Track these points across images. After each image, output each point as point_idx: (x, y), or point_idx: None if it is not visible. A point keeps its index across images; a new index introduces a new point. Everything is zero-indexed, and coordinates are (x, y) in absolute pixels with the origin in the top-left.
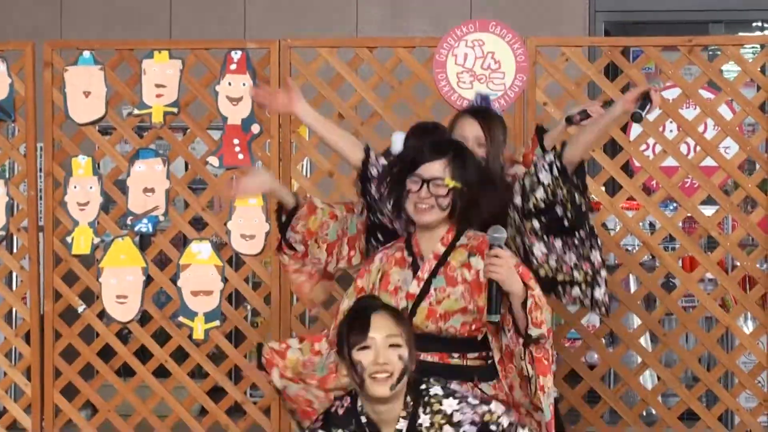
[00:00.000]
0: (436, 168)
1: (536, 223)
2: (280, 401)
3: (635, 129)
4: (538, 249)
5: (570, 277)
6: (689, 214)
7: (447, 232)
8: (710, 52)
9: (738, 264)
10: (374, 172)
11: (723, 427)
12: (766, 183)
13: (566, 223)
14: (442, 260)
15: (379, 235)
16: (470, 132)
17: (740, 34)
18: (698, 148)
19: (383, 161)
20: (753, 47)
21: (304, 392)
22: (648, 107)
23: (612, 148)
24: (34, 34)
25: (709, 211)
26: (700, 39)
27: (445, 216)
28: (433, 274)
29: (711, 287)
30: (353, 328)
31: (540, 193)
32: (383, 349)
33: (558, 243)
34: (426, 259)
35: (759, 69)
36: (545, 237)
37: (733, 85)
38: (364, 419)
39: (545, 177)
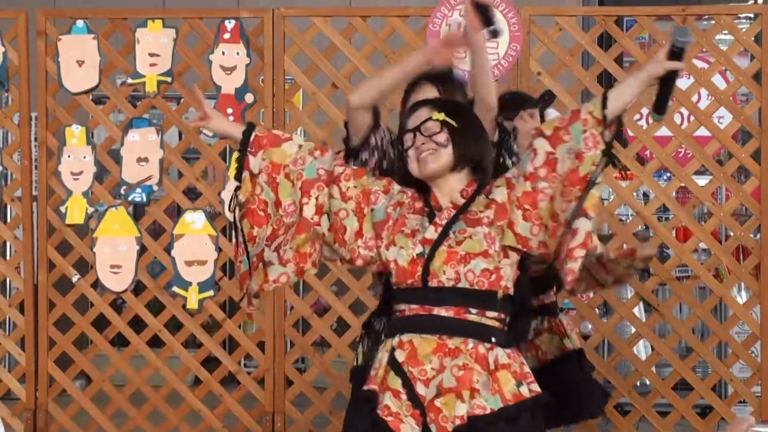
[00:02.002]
0: (420, 115)
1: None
2: (273, 371)
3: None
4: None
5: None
6: (683, 184)
7: (467, 185)
8: (704, 22)
9: (731, 234)
10: (372, 141)
11: (717, 397)
12: (760, 153)
13: None
14: (462, 209)
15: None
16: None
17: (733, 3)
18: (692, 117)
19: (387, 136)
20: (747, 16)
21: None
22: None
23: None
24: (28, 2)
25: (702, 181)
26: (694, 8)
27: (452, 160)
28: (453, 220)
29: (705, 257)
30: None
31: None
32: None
33: None
34: (445, 208)
35: (752, 38)
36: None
37: (726, 54)
38: None
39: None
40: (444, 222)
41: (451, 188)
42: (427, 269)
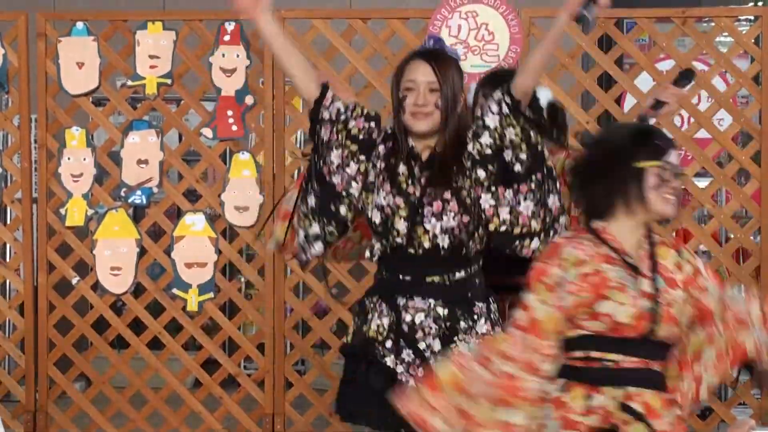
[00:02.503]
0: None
1: (481, 173)
2: (273, 373)
3: (629, 101)
4: (485, 201)
5: (527, 228)
6: (683, 186)
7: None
8: (704, 24)
9: (732, 236)
10: (326, 114)
11: (717, 399)
12: (760, 155)
13: (518, 168)
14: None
15: (314, 184)
16: (422, 76)
17: (733, 6)
18: (692, 119)
19: (339, 105)
20: (747, 18)
21: None
22: (593, 8)
23: (606, 121)
24: (28, 4)
25: (702, 183)
26: (694, 11)
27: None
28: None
29: (705, 259)
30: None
31: (485, 138)
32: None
33: (509, 193)
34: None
35: (752, 41)
36: (492, 187)
37: (726, 56)
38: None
39: (492, 120)
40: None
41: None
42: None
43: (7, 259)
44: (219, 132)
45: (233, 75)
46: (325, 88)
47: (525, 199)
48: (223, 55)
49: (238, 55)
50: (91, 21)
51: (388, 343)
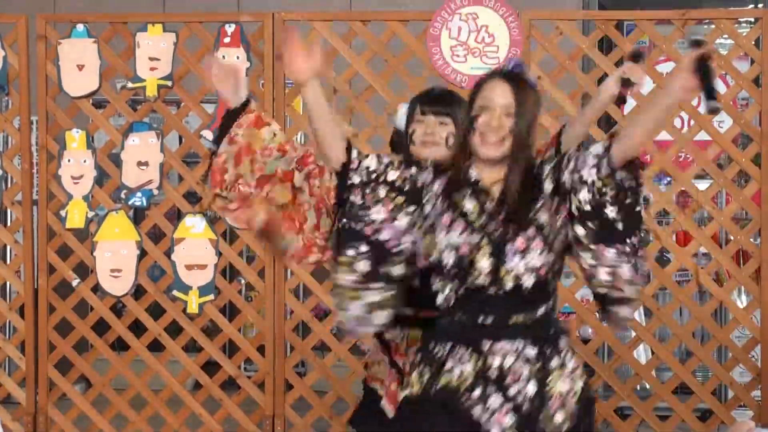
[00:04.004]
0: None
1: (580, 230)
2: (273, 375)
3: (629, 103)
4: (585, 259)
5: (621, 293)
6: (683, 188)
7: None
8: (704, 26)
9: (732, 238)
10: (356, 178)
11: (717, 401)
12: (760, 157)
13: (620, 226)
14: None
15: (361, 246)
16: (500, 98)
17: (733, 8)
18: (692, 122)
19: (369, 163)
20: (747, 20)
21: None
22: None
23: (606, 123)
24: (28, 7)
25: (703, 185)
26: (694, 13)
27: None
28: None
29: (705, 261)
30: None
31: (584, 194)
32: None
33: (610, 252)
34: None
35: (752, 43)
36: (592, 245)
37: (726, 58)
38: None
39: (590, 174)
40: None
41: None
42: None
43: (8, 261)
44: None
45: None
46: (349, 150)
47: (623, 261)
48: (224, 57)
49: (238, 57)
50: (92, 23)
51: (476, 392)
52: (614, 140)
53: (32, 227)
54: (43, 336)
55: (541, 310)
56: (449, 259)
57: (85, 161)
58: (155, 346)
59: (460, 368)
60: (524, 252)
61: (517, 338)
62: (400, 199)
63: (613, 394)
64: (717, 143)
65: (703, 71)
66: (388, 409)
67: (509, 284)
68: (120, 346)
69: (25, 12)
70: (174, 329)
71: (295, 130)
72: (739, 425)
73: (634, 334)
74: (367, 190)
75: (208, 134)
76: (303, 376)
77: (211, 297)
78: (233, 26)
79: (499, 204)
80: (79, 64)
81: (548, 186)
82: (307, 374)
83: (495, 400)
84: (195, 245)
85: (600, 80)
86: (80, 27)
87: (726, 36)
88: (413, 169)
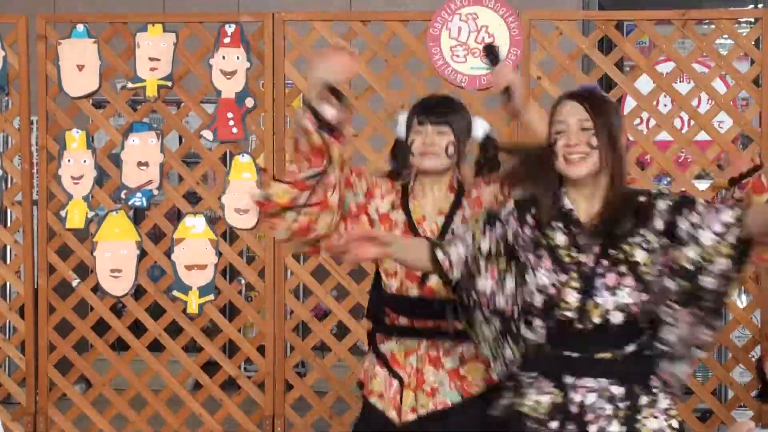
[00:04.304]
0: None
1: (670, 284)
2: (274, 375)
3: (629, 103)
4: (663, 313)
5: (678, 354)
6: (683, 189)
7: None
8: (704, 26)
9: None
10: (457, 274)
11: (717, 401)
12: (760, 158)
13: (709, 301)
14: None
15: (485, 312)
16: (573, 116)
17: (733, 8)
18: (692, 122)
19: (459, 252)
20: (747, 21)
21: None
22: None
23: None
24: (28, 7)
25: (703, 185)
26: (694, 13)
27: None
28: None
29: None
30: None
31: (691, 252)
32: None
33: (684, 315)
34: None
35: (752, 43)
36: (675, 304)
37: (726, 59)
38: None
39: (708, 239)
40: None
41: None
42: None
43: (8, 261)
44: (219, 134)
45: (233, 77)
46: (434, 259)
47: (688, 324)
48: (224, 57)
49: (238, 57)
50: (92, 23)
51: (553, 424)
52: (745, 215)
53: (32, 227)
54: (43, 336)
55: (630, 348)
56: (537, 301)
57: (85, 161)
58: (155, 346)
59: (538, 399)
60: (614, 289)
61: (601, 376)
62: (502, 263)
63: None
64: (717, 143)
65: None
66: (394, 416)
67: (596, 320)
68: (120, 346)
69: (25, 12)
70: (174, 329)
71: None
72: (739, 425)
73: None
74: (468, 271)
75: (208, 134)
76: (303, 377)
77: (211, 297)
78: (233, 26)
79: (591, 236)
80: (79, 64)
81: (658, 224)
82: (307, 374)
83: None
84: (195, 245)
85: (600, 80)
86: (80, 27)
87: (726, 36)
88: (498, 226)
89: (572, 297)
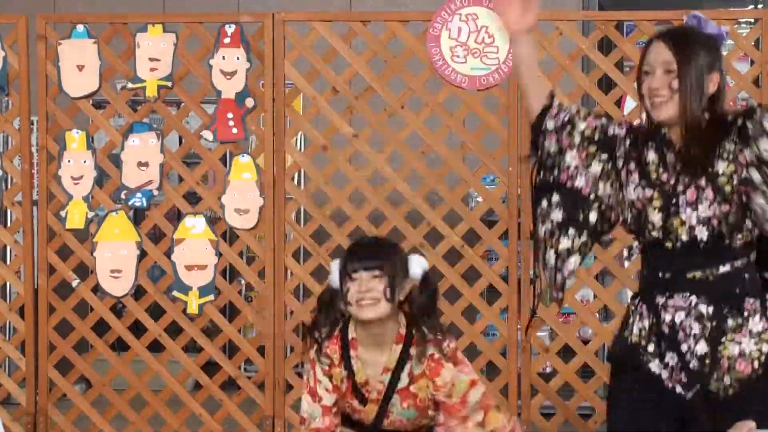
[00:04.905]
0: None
1: (756, 175)
2: (274, 376)
3: (629, 103)
4: (759, 205)
5: None
6: None
7: None
8: None
9: None
10: (550, 124)
11: None
12: None
13: None
14: None
15: (554, 196)
16: (658, 57)
17: (733, 8)
18: None
19: (564, 113)
20: (747, 21)
21: None
22: None
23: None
24: (28, 7)
25: None
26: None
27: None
28: None
29: None
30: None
31: (765, 144)
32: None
33: None
34: None
35: (752, 43)
36: (765, 188)
37: (726, 59)
38: None
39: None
40: None
41: None
42: None
43: (8, 262)
44: (219, 134)
45: (233, 77)
46: (552, 97)
47: None
48: (224, 58)
49: (238, 58)
50: (92, 23)
51: (651, 347)
52: None
53: (32, 228)
54: (43, 336)
55: (724, 268)
56: (629, 216)
57: (85, 162)
58: (155, 347)
59: (640, 324)
60: (695, 203)
61: (690, 294)
62: (592, 148)
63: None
64: None
65: None
66: None
67: (684, 237)
68: (120, 346)
69: (25, 12)
70: (174, 330)
71: (295, 130)
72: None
73: None
74: (563, 135)
75: (208, 134)
76: (303, 377)
77: (211, 297)
78: (233, 26)
79: (678, 154)
80: (79, 64)
81: (734, 135)
82: None
83: (671, 357)
84: (195, 246)
85: (600, 81)
86: (80, 27)
87: (726, 36)
88: (603, 119)
89: (656, 216)
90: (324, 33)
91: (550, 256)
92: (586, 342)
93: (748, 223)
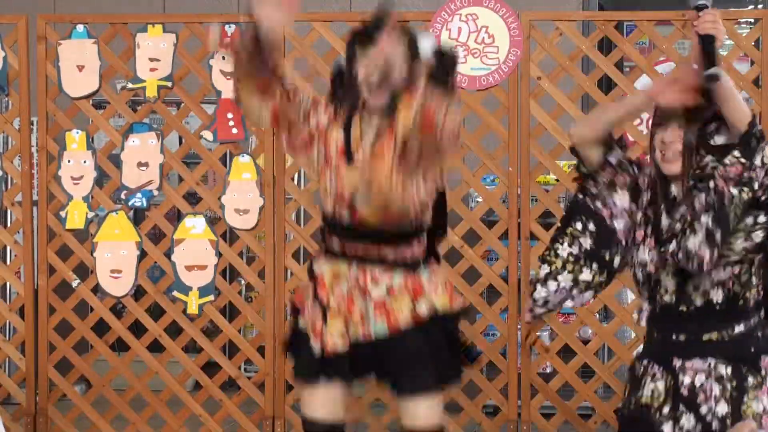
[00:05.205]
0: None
1: (762, 218)
2: (273, 376)
3: None
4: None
5: None
6: None
7: None
8: None
9: None
10: (614, 159)
11: None
12: None
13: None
14: None
15: (591, 224)
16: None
17: (733, 8)
18: None
19: (619, 155)
20: (747, 21)
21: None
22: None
23: None
24: (28, 7)
25: None
26: (693, 13)
27: None
28: None
29: None
30: None
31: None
32: None
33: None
34: None
35: (753, 44)
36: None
37: (726, 59)
38: None
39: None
40: None
41: None
42: None
43: (8, 262)
44: (219, 135)
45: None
46: (611, 135)
47: None
48: (224, 58)
49: None
50: (92, 24)
51: (665, 409)
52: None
53: (32, 228)
54: (43, 337)
55: (739, 328)
56: (639, 276)
57: (85, 162)
58: (155, 347)
59: (653, 385)
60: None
61: (709, 356)
62: (626, 197)
63: (613, 394)
64: None
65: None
66: (315, 346)
67: (699, 301)
68: (120, 346)
69: (25, 13)
70: (174, 330)
71: None
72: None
73: (634, 334)
74: (618, 173)
75: (208, 135)
76: None
77: (211, 298)
78: (233, 27)
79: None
80: (79, 64)
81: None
82: None
83: (688, 420)
84: (195, 246)
85: (600, 81)
86: (80, 28)
87: (726, 37)
88: (634, 167)
89: (669, 281)
90: (324, 33)
91: (566, 280)
92: (586, 342)
93: (754, 279)
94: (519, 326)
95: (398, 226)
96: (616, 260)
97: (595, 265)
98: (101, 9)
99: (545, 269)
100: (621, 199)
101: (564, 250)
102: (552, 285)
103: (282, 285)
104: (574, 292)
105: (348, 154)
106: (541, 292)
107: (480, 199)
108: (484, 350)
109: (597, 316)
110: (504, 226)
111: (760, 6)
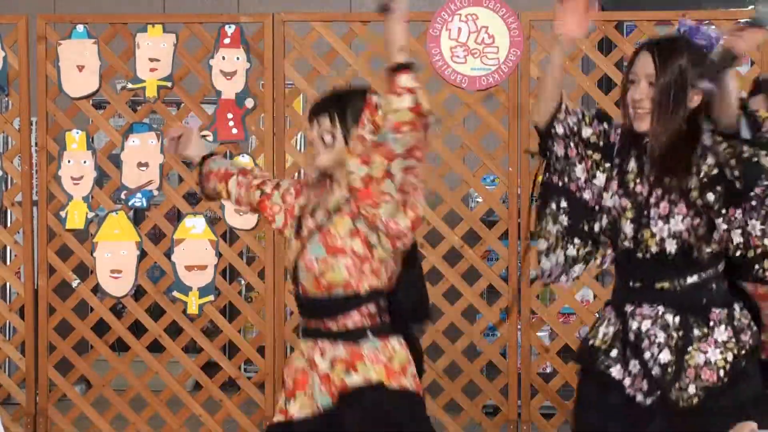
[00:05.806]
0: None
1: (710, 197)
2: (273, 376)
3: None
4: (719, 225)
5: (761, 248)
6: None
7: None
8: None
9: None
10: (560, 129)
11: None
12: None
13: (738, 185)
14: None
15: (562, 202)
16: (642, 69)
17: (733, 9)
18: None
19: (572, 118)
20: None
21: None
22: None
23: None
24: (28, 7)
25: None
26: (694, 13)
27: None
28: None
29: None
30: None
31: (709, 159)
32: None
33: (738, 214)
34: None
35: None
36: (723, 210)
37: None
38: None
39: (707, 138)
40: None
41: None
42: None
43: (8, 262)
44: (219, 135)
45: (233, 78)
46: (560, 102)
47: (751, 218)
48: (224, 58)
49: (238, 58)
50: (92, 24)
51: (614, 353)
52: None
53: (32, 228)
54: (43, 337)
55: (692, 279)
56: (604, 221)
57: (85, 162)
58: (155, 347)
59: (605, 330)
60: (667, 217)
61: (658, 304)
62: (597, 156)
63: None
64: None
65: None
66: (280, 417)
67: (654, 248)
68: (120, 347)
69: (25, 13)
70: (174, 330)
71: (295, 130)
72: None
73: None
74: (570, 144)
75: (208, 135)
76: None
77: (211, 298)
78: (233, 27)
79: (653, 166)
80: (79, 64)
81: (711, 159)
82: None
83: (634, 365)
84: (195, 246)
85: (600, 81)
86: (80, 28)
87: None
88: (605, 124)
89: (628, 227)
90: (324, 33)
91: (560, 256)
92: None
93: (716, 235)
94: (519, 326)
95: (329, 295)
96: (596, 226)
97: (576, 240)
98: (101, 9)
99: (543, 243)
100: (582, 171)
101: (552, 227)
102: (552, 258)
103: (282, 285)
104: (566, 267)
105: (298, 224)
106: (546, 264)
107: (480, 199)
108: (484, 350)
109: (597, 316)
110: (504, 226)
111: None
